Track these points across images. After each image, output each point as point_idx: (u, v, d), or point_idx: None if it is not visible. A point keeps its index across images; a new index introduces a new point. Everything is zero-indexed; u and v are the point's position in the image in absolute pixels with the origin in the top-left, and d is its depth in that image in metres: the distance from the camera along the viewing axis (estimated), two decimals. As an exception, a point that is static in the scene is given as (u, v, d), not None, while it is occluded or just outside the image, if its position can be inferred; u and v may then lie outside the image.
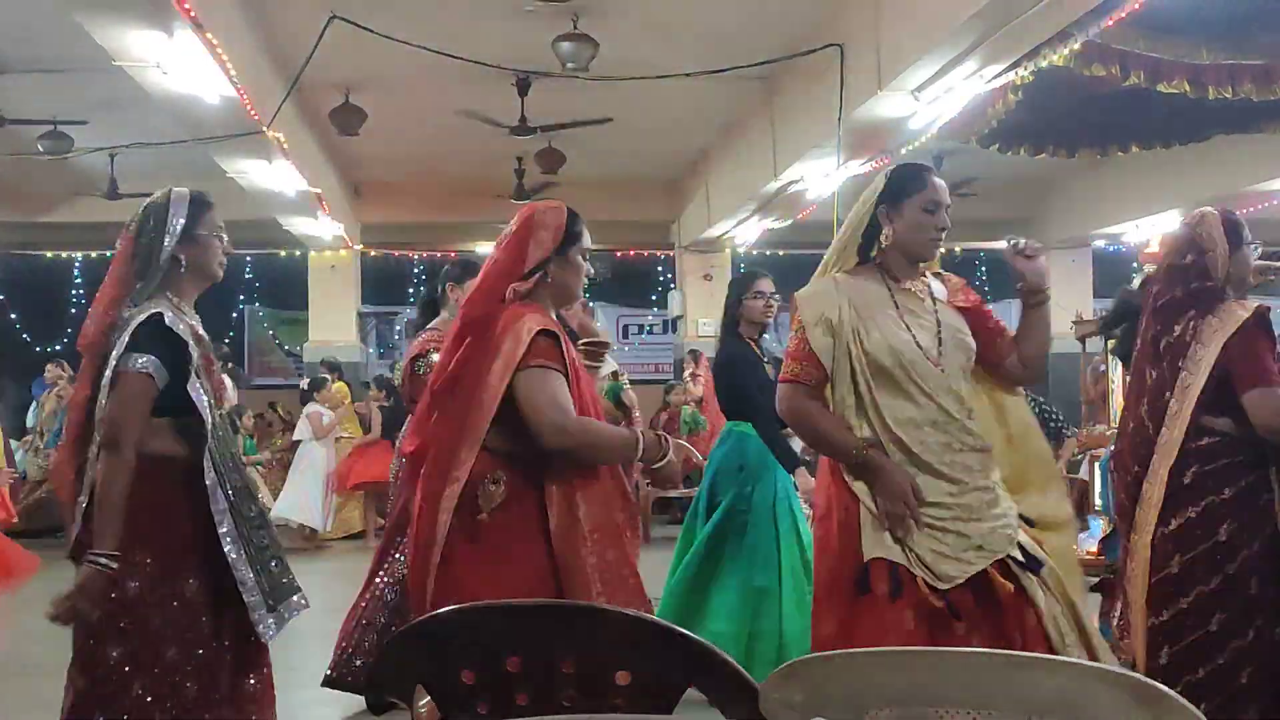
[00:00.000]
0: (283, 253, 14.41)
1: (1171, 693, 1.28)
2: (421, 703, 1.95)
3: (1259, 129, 8.54)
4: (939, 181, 3.08)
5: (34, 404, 11.69)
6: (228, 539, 2.77)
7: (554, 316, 2.97)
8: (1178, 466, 3.28)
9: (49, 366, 11.05)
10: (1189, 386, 3.28)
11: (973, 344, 3.07)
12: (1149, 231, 11.47)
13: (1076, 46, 6.16)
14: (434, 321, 4.59)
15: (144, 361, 2.72)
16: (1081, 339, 9.36)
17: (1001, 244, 3.17)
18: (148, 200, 2.93)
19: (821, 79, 7.89)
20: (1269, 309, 3.37)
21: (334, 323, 14.10)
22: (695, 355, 12.00)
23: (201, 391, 2.80)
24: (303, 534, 10.14)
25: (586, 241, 2.98)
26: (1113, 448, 3.58)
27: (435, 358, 3.48)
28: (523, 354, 2.76)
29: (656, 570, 4.93)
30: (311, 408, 10.45)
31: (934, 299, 3.09)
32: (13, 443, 9.96)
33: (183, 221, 2.87)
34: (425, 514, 2.79)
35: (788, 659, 1.77)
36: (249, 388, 13.43)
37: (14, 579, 6.27)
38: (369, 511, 10.53)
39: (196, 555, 2.78)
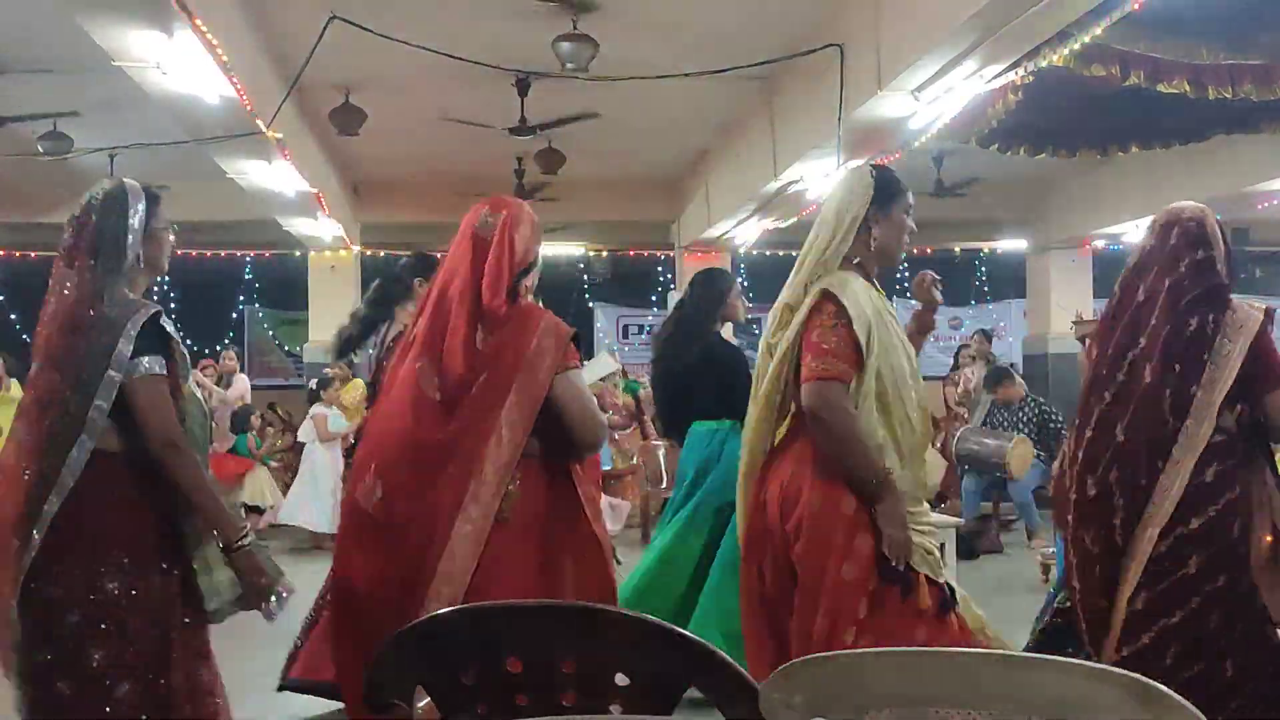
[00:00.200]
0: (283, 253, 14.39)
1: (1171, 693, 1.28)
2: (421, 703, 1.95)
3: (1259, 129, 8.52)
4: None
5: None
6: (188, 528, 2.81)
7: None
8: (1202, 461, 3.21)
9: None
10: (1215, 381, 3.22)
11: None
12: (1149, 232, 11.43)
13: (1076, 46, 6.15)
14: (400, 316, 4.57)
15: (151, 362, 2.73)
16: (1081, 339, 9.35)
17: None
18: (100, 192, 2.85)
19: (821, 79, 7.88)
20: (1275, 309, 3.38)
21: (334, 323, 13.77)
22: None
23: (197, 387, 2.86)
24: (311, 537, 10.04)
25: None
26: (1070, 443, 3.45)
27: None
28: (562, 356, 2.81)
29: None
30: (316, 409, 10.11)
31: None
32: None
33: (142, 216, 2.84)
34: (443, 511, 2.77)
35: None
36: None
37: None
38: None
39: (164, 546, 2.79)
